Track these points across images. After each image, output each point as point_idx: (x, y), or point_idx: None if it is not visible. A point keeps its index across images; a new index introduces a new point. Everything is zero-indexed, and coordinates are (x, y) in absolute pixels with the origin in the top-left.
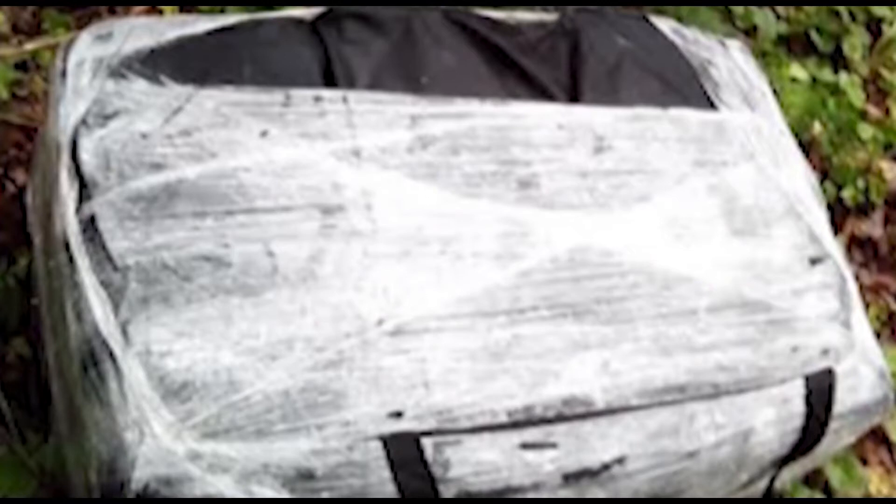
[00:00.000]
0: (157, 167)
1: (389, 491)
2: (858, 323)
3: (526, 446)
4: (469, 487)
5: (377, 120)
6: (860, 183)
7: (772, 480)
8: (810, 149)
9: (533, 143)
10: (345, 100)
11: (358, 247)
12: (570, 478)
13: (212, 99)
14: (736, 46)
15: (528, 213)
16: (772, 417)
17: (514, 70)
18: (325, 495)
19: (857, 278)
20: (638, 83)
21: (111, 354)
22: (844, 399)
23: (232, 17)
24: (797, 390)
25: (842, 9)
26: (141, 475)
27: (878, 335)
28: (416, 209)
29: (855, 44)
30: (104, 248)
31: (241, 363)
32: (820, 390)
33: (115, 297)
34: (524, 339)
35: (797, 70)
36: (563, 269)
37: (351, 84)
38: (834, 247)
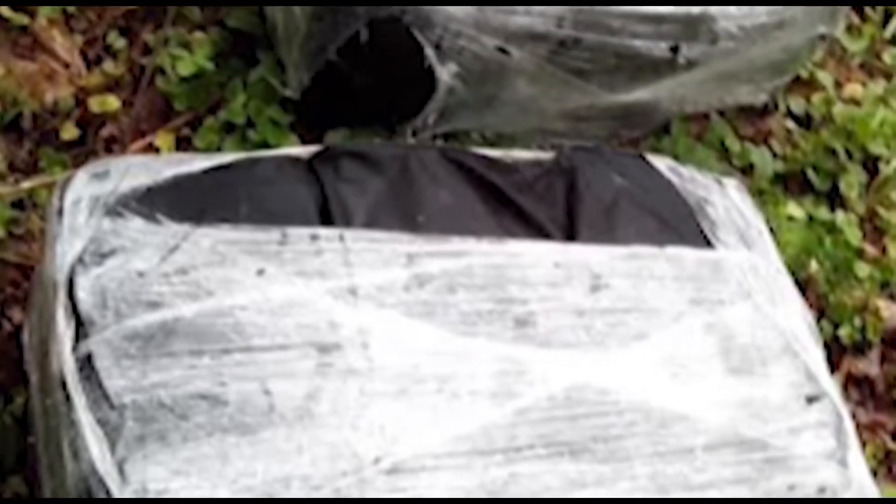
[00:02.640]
0: (154, 305)
1: None
2: (855, 461)
3: None
4: None
5: (374, 258)
6: (857, 321)
7: None
8: (807, 287)
9: (529, 281)
10: (341, 238)
11: (354, 385)
12: None
13: (208, 237)
14: (732, 185)
15: (525, 352)
16: None
17: (510, 208)
18: None
19: (853, 417)
20: (634, 221)
21: (108, 493)
22: None
23: (229, 156)
24: None
25: (838, 147)
26: None
27: (874, 473)
28: (413, 347)
29: (852, 182)
30: (101, 386)
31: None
32: None
33: (112, 435)
34: (521, 477)
35: (794, 208)
36: (559, 408)
37: (347, 222)
38: (831, 385)
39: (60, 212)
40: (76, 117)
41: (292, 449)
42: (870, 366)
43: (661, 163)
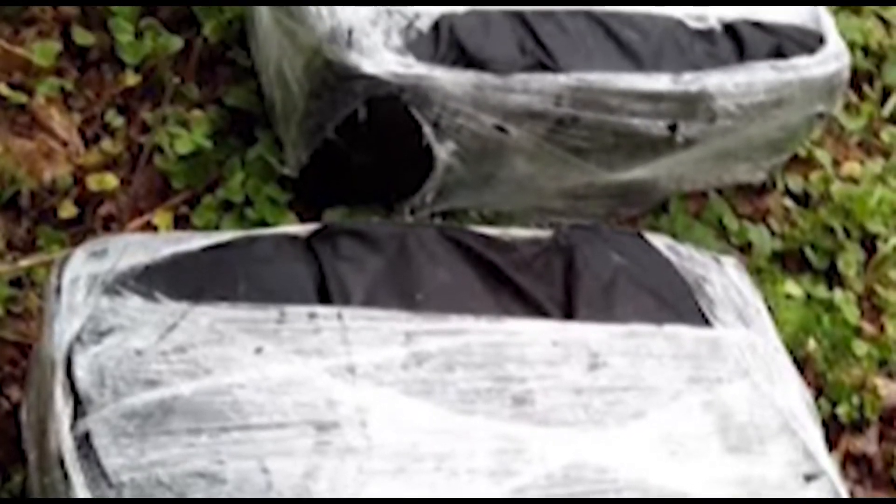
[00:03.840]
0: (152, 384)
1: None
2: None
3: None
4: None
5: (372, 336)
6: (855, 400)
7: None
8: (805, 365)
9: (528, 359)
10: (339, 316)
11: (353, 463)
12: None
13: (206, 315)
14: (730, 263)
15: (523, 430)
16: None
17: (508, 287)
18: None
19: (852, 495)
20: (633, 300)
21: None
22: None
23: (227, 234)
24: None
25: (837, 225)
26: None
27: None
28: (411, 426)
29: (850, 260)
30: (99, 464)
31: None
32: None
33: None
34: None
35: (792, 287)
36: (557, 486)
37: (346, 301)
38: (829, 463)
39: (58, 290)
40: (74, 195)
41: None
42: (868, 444)
43: (660, 241)
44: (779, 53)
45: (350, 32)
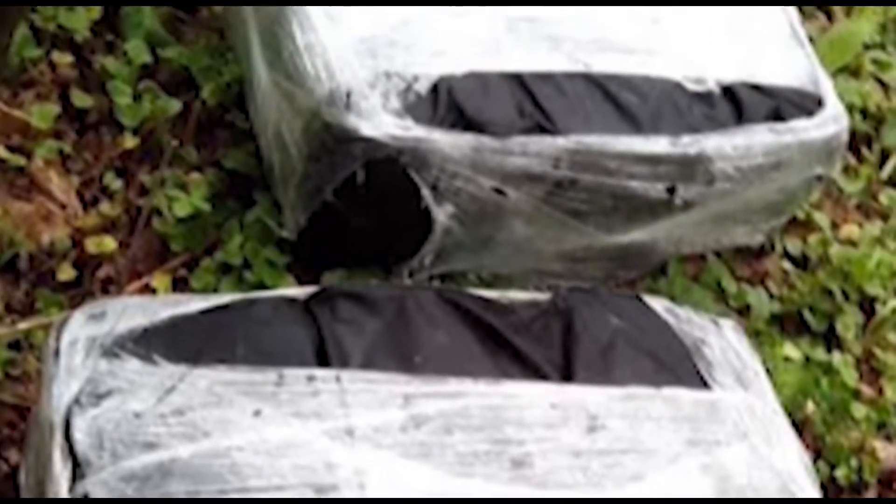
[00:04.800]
0: (151, 447)
1: None
2: None
3: None
4: None
5: (370, 399)
6: (853, 462)
7: None
8: (803, 428)
9: (526, 422)
10: (338, 379)
11: None
12: None
13: (205, 378)
14: (729, 325)
15: (521, 492)
16: None
17: (507, 349)
18: None
19: None
20: (631, 362)
21: None
22: None
23: (225, 297)
24: None
25: (835, 288)
26: None
27: None
28: (410, 488)
29: (848, 323)
30: None
31: None
32: None
33: None
34: None
35: (790, 349)
36: None
37: (344, 363)
38: None
39: (57, 353)
40: (73, 258)
41: None
42: None
43: (658, 304)
44: (777, 116)
45: (349, 95)
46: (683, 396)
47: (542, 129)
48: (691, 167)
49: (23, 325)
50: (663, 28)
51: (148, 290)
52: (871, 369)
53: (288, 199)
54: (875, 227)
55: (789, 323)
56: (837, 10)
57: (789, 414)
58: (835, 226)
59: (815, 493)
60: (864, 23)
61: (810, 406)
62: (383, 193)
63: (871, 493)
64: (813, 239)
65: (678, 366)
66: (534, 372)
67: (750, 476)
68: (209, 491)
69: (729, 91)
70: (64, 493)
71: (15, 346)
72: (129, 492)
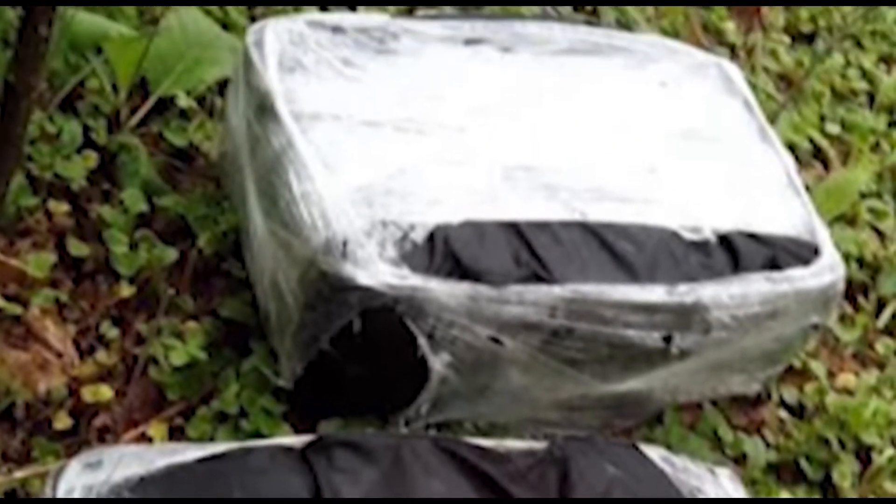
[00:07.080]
0: None
1: None
2: None
3: None
4: None
5: None
6: None
7: None
8: None
9: None
10: None
11: None
12: None
13: None
14: (725, 474)
15: None
16: None
17: (503, 498)
18: None
19: None
20: None
21: None
22: None
23: (221, 446)
24: None
25: (831, 437)
26: None
27: None
28: None
29: (845, 472)
30: None
31: None
32: None
33: None
34: None
35: (787, 498)
36: None
37: None
38: None
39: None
40: (69, 407)
41: None
42: None
43: (654, 453)
44: (774, 265)
45: (345, 244)
46: None
47: (538, 278)
48: (688, 316)
49: (19, 474)
50: (659, 177)
51: (144, 438)
52: None
53: (284, 348)
54: (871, 376)
55: (785, 472)
56: (834, 159)
57: None
58: (831, 375)
59: None
60: (861, 172)
61: None
62: (380, 342)
63: None
64: (809, 388)
65: None
66: None
67: None
68: None
69: (725, 240)
70: None
71: (11, 495)
72: None
